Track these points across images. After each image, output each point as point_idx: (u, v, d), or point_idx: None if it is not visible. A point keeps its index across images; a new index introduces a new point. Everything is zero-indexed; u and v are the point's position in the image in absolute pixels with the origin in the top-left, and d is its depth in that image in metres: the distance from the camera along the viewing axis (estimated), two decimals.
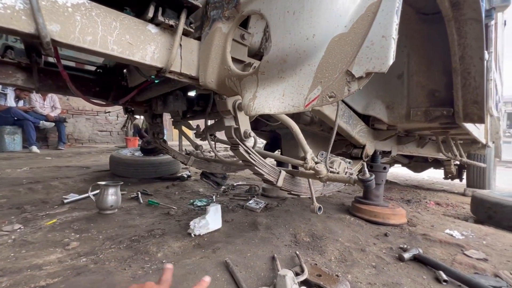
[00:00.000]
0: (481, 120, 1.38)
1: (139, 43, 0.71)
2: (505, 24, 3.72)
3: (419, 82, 1.52)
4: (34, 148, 4.75)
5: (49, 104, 5.30)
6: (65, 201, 2.14)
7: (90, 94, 1.43)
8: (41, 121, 5.08)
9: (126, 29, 0.68)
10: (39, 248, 1.34)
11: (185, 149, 2.12)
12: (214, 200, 2.37)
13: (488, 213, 2.11)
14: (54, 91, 1.33)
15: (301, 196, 1.26)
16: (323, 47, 0.60)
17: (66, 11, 0.59)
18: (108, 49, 0.66)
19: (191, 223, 1.59)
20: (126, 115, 1.93)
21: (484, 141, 2.61)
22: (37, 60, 1.20)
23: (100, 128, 6.93)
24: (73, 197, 2.24)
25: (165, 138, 2.04)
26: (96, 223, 1.73)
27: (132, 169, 3.03)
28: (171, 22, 0.73)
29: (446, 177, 3.87)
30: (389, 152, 2.09)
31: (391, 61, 0.52)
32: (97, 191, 2.01)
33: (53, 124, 5.24)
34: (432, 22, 1.36)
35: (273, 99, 0.66)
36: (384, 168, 1.90)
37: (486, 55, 2.34)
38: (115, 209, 1.95)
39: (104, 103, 1.45)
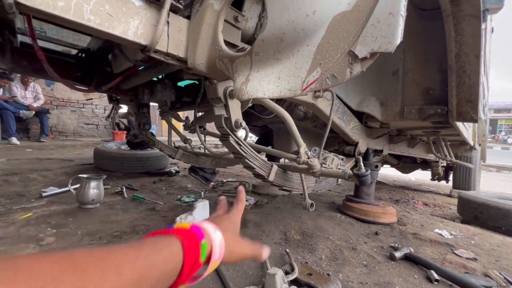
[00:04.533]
0: (474, 119, 1.37)
1: (120, 15, 0.64)
2: (492, 31, 3.81)
3: (414, 80, 1.50)
4: (14, 140, 4.52)
5: (31, 94, 5.05)
6: (43, 194, 2.02)
7: (71, 79, 1.34)
8: (21, 111, 4.84)
9: None
10: (10, 244, 1.23)
11: (174, 143, 2.04)
12: (203, 196, 2.30)
13: (475, 213, 2.14)
14: (30, 74, 1.22)
15: (292, 192, 1.22)
16: (324, 25, 0.55)
17: None
18: (84, 18, 0.58)
19: (177, 218, 1.52)
20: (111, 105, 1.83)
21: (472, 143, 2.65)
22: (11, 39, 1.10)
23: (86, 121, 6.69)
24: (52, 190, 2.12)
25: (153, 132, 1.95)
26: (75, 218, 1.63)
27: (117, 163, 2.92)
28: None
29: (433, 178, 3.93)
30: (381, 151, 2.07)
31: (398, 40, 0.47)
32: (78, 184, 1.90)
33: (33, 112, 5.00)
34: (429, 18, 1.34)
35: (268, 83, 0.61)
36: (376, 166, 1.88)
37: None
38: (97, 203, 1.85)
39: (86, 89, 1.35)
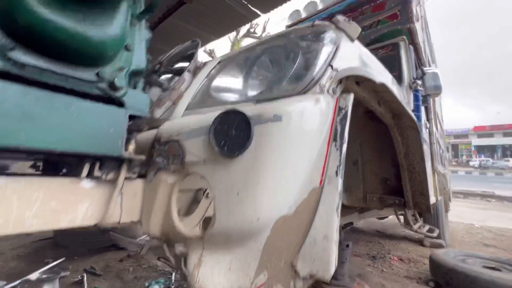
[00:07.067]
0: (428, 210, 1.48)
1: (67, 205, 0.63)
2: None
3: (372, 170, 1.61)
4: None
5: None
6: None
7: None
8: None
9: (51, 195, 0.60)
10: None
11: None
12: (173, 279, 2.14)
13: (446, 278, 2.18)
14: None
15: None
16: (268, 227, 0.59)
17: None
18: (25, 226, 0.57)
19: None
20: None
21: (433, 199, 2.82)
22: None
23: None
24: None
25: None
26: None
27: (81, 238, 2.68)
28: (109, 177, 0.67)
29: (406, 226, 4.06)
30: (351, 223, 2.13)
31: (333, 268, 0.51)
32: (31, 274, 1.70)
33: None
34: (379, 122, 1.48)
35: (219, 273, 0.61)
36: (347, 245, 1.90)
37: (428, 125, 2.61)
38: None
39: None
